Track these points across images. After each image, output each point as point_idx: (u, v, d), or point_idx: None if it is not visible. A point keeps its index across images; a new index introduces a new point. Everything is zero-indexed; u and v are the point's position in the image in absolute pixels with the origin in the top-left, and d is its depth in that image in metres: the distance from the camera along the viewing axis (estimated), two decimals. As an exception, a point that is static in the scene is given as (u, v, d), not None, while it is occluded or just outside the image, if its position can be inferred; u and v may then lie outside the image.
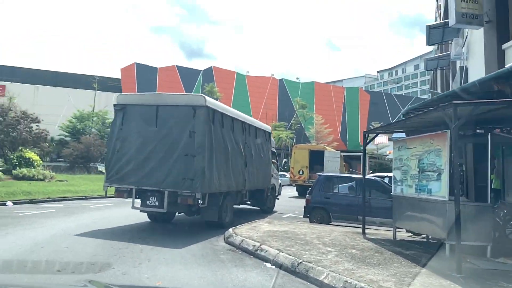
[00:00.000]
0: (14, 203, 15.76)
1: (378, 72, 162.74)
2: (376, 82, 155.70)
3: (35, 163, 27.17)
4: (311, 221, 11.41)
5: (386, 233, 10.50)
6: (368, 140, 10.36)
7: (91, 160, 37.96)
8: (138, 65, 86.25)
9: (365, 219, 10.23)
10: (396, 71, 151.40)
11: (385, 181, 12.92)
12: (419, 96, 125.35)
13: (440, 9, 26.21)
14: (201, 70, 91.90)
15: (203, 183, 9.21)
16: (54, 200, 17.56)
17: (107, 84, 78.58)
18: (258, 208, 15.27)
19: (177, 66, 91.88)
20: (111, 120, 40.65)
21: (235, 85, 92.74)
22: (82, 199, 19.22)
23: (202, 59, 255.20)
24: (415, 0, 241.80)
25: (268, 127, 15.76)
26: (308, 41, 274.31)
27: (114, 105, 10.25)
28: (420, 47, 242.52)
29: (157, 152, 9.52)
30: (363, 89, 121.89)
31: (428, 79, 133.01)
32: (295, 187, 27.80)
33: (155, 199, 9.40)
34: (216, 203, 10.10)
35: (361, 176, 11.69)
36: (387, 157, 69.90)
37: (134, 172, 9.61)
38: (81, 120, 62.92)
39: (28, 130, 28.90)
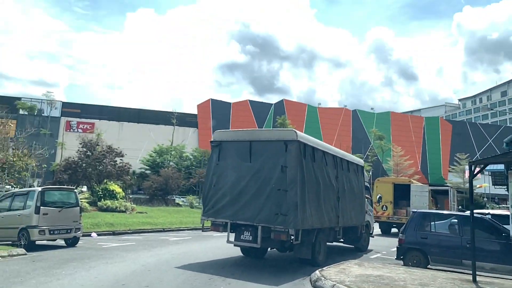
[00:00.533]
0: (98, 234, 16.19)
1: (459, 100, 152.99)
2: (458, 112, 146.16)
3: (118, 195, 28.33)
4: (405, 264, 10.04)
5: (502, 282, 8.80)
6: (475, 172, 8.92)
7: (169, 193, 39.01)
8: (213, 101, 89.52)
9: (475, 264, 8.68)
10: (481, 99, 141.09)
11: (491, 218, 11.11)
12: (508, 124, 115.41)
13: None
14: (272, 104, 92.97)
15: (296, 218, 8.98)
16: (134, 232, 17.82)
17: (184, 120, 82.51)
18: (352, 246, 14.35)
19: (250, 101, 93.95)
20: (188, 154, 42.15)
21: (306, 117, 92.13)
22: (160, 231, 19.34)
23: (273, 94, 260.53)
24: (496, 25, 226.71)
25: (361, 161, 15.08)
26: (379, 69, 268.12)
27: (211, 142, 10.55)
28: (505, 73, 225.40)
29: (251, 186, 9.59)
30: (444, 118, 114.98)
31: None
32: (377, 223, 25.86)
33: (249, 234, 9.41)
34: (309, 240, 9.82)
35: (464, 213, 10.20)
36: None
37: (229, 206, 9.74)
38: (160, 154, 65.84)
39: (113, 163, 30.43)
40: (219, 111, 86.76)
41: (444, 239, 9.86)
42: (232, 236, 9.88)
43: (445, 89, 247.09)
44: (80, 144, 30.51)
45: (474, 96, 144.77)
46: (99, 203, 26.05)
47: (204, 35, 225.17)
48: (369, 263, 10.08)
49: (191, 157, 69.56)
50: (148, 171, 59.19)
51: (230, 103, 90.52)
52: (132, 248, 11.90)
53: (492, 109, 32.12)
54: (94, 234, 15.98)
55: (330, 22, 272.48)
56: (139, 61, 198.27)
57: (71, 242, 12.77)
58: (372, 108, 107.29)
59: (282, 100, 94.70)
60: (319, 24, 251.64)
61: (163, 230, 19.54)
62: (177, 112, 78.35)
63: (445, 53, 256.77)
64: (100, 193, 27.69)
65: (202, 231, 10.83)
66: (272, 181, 9.32)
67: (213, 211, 10.04)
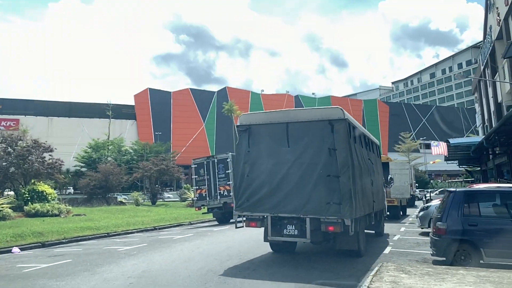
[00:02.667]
0: (22, 249, 12.70)
1: (392, 83, 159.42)
2: (392, 94, 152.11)
3: (49, 197, 24.29)
4: (452, 262, 7.56)
5: None
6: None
7: (110, 190, 34.98)
8: (152, 90, 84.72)
9: None
10: (412, 81, 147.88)
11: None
12: (438, 104, 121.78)
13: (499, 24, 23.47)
14: (215, 92, 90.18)
15: (351, 207, 8.09)
16: (71, 241, 14.45)
17: (121, 112, 77.08)
18: (373, 231, 12.95)
19: (191, 89, 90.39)
20: (127, 148, 38.22)
21: (250, 104, 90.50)
22: (104, 237, 16.08)
23: (211, 84, 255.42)
24: (417, 13, 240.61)
25: (376, 140, 13.82)
26: (312, 57, 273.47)
27: (237, 126, 9.47)
28: (428, 58, 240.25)
29: (293, 174, 8.57)
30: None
31: (447, 87, 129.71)
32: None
33: (293, 228, 8.42)
34: (355, 229, 8.59)
35: None
36: (421, 168, 65.93)
37: (268, 198, 8.70)
38: (97, 149, 60.98)
39: (41, 160, 26.13)
40: (158, 101, 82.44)
41: (502, 224, 7.53)
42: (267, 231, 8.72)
43: (374, 75, 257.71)
44: (-2, 140, 25.77)
45: (406, 79, 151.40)
46: (25, 207, 22.00)
47: (134, 25, 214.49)
48: (414, 266, 7.15)
49: (131, 151, 65.52)
50: (84, 169, 54.35)
51: (170, 92, 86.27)
52: (67, 271, 8.31)
53: (466, 77, 32.13)
54: (16, 249, 12.48)
55: (263, 10, 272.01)
56: (65, 53, 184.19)
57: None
58: (313, 93, 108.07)
59: (225, 87, 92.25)
60: (253, 13, 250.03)
61: (108, 235, 16.27)
62: (113, 104, 72.79)
63: (372, 40, 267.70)
64: (27, 195, 23.50)
65: (236, 227, 9.67)
66: (319, 166, 8.35)
67: (249, 204, 8.92)
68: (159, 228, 19.13)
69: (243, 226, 9.58)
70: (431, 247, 8.37)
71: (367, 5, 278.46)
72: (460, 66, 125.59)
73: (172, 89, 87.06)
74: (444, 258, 7.82)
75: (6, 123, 69.71)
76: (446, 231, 7.67)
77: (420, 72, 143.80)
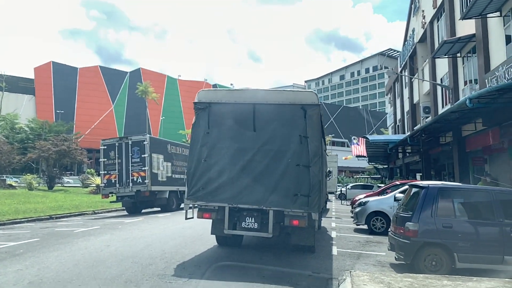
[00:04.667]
0: None
1: (305, 81, 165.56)
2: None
3: None
4: (420, 268, 6.57)
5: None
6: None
7: (-4, 171, 30.07)
8: (55, 64, 76.56)
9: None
10: (323, 81, 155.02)
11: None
12: (345, 104, 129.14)
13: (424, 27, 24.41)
14: (127, 72, 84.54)
15: (320, 200, 7.60)
16: None
17: (17, 85, 68.73)
18: None
19: (101, 67, 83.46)
20: (22, 125, 33.62)
21: (165, 88, 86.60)
22: (-17, 227, 12.88)
23: (121, 64, 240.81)
24: (330, 19, 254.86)
25: None
26: (231, 51, 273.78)
27: (195, 103, 8.33)
28: (336, 61, 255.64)
29: (257, 162, 7.77)
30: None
31: (354, 89, 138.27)
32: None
33: (253, 220, 7.68)
34: (313, 223, 7.92)
35: (493, 187, 7.59)
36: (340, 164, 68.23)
37: (227, 187, 7.80)
38: (-16, 125, 53.09)
39: None
40: (62, 77, 74.81)
41: (477, 227, 6.66)
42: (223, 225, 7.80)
43: (287, 73, 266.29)
44: None
45: (318, 79, 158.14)
46: None
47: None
48: (389, 276, 5.38)
49: (26, 129, 58.34)
50: (-35, 146, 46.69)
51: (76, 68, 78.82)
52: None
53: (396, 73, 32.75)
54: None
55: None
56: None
57: None
58: (231, 84, 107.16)
59: (139, 68, 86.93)
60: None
61: (-13, 226, 13.09)
62: (7, 75, 64.18)
63: (287, 39, 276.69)
64: None
65: (186, 218, 8.30)
66: (288, 154, 7.63)
67: (204, 193, 7.91)
68: (56, 218, 16.15)
69: (193, 218, 8.29)
70: (393, 249, 7.37)
71: (286, 3, 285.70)
72: (367, 70, 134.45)
73: (78, 66, 79.41)
74: (408, 263, 6.78)
75: None
76: (417, 233, 6.60)
77: (331, 73, 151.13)
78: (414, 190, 7.59)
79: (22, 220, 14.63)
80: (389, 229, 8.14)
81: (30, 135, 56.00)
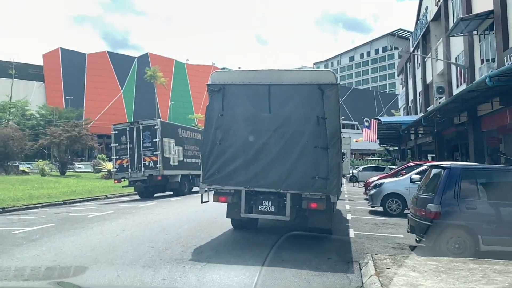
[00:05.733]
0: None
1: (314, 64, 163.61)
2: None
3: None
4: (443, 250, 6.36)
5: None
6: None
7: (9, 157, 30.26)
8: (64, 50, 76.52)
9: None
10: (332, 63, 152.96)
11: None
12: (354, 86, 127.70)
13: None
14: (135, 57, 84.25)
15: (339, 182, 7.57)
16: (-51, 219, 11.27)
17: (27, 72, 68.87)
18: None
19: (109, 52, 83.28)
20: (33, 112, 33.57)
21: (173, 73, 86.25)
22: (-1, 213, 13.00)
23: (128, 50, 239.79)
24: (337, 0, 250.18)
25: None
26: (237, 35, 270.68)
27: (209, 85, 8.12)
28: (345, 42, 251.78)
29: (273, 144, 7.62)
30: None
31: (363, 70, 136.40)
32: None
33: (270, 204, 7.58)
34: (331, 206, 7.99)
35: None
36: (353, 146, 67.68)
37: (243, 170, 7.69)
38: (-5, 112, 53.43)
39: None
40: (71, 63, 74.84)
41: (502, 208, 6.40)
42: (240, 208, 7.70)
43: (294, 55, 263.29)
44: None
45: (327, 60, 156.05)
46: None
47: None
48: (413, 259, 5.54)
49: (37, 115, 58.72)
50: (-23, 133, 47.19)
51: (84, 54, 78.68)
52: None
53: (409, 53, 32.08)
54: None
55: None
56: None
57: None
58: (239, 67, 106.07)
59: (147, 53, 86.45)
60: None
61: (3, 211, 13.14)
62: (17, 62, 64.23)
63: (294, 21, 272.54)
64: None
65: (201, 202, 8.18)
66: (305, 136, 7.45)
67: (220, 177, 7.80)
68: (70, 203, 16.24)
69: (208, 201, 8.20)
70: (413, 232, 7.21)
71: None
72: (377, 51, 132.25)
73: (86, 52, 79.26)
74: (430, 245, 6.59)
75: None
76: (440, 215, 6.42)
77: (340, 55, 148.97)
78: (435, 171, 7.37)
79: (36, 205, 14.71)
80: (409, 211, 7.98)
81: (41, 122, 56.36)
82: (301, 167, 7.36)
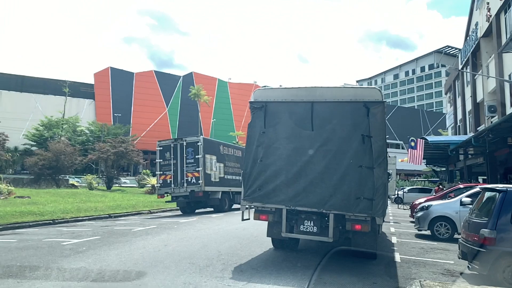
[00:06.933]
0: None
1: (357, 81, 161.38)
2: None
3: (-12, 175, 21.20)
4: (499, 280, 5.86)
5: None
6: None
7: (61, 171, 31.81)
8: (113, 69, 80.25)
9: None
10: (376, 81, 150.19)
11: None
12: (399, 105, 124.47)
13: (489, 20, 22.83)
14: (181, 76, 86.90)
15: (384, 204, 7.28)
16: (5, 228, 11.90)
17: (78, 90, 72.65)
18: None
19: (155, 72, 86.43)
20: (83, 128, 35.33)
21: (216, 91, 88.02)
22: (49, 224, 13.61)
23: (173, 69, 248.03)
24: (381, 18, 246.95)
25: None
26: (278, 53, 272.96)
27: (251, 102, 8.17)
28: (389, 60, 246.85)
29: (316, 162, 7.45)
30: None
31: (409, 89, 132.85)
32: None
33: (312, 224, 7.38)
34: (376, 228, 7.61)
35: None
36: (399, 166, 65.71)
37: (284, 188, 7.58)
38: (49, 128, 56.54)
39: (-20, 133, 22.86)
40: (119, 81, 78.28)
41: None
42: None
43: (336, 73, 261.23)
44: None
45: (370, 78, 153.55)
46: (-43, 186, 18.96)
47: (97, 2, 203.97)
48: (453, 283, 5.52)
49: (87, 131, 61.58)
50: (34, 147, 50.06)
51: (132, 73, 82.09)
52: None
53: (458, 70, 30.94)
54: None
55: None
56: (22, 22, 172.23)
57: None
58: (280, 85, 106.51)
59: (191, 72, 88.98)
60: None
61: (53, 223, 13.79)
62: (70, 81, 68.16)
63: (335, 39, 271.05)
64: (-40, 172, 20.29)
65: (242, 220, 8.18)
66: (349, 155, 7.25)
67: (261, 194, 7.73)
68: (115, 216, 16.75)
69: (249, 219, 8.15)
70: (464, 258, 6.77)
71: (333, 5, 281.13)
72: (423, 69, 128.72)
73: (134, 71, 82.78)
74: (484, 274, 6.14)
75: None
76: (494, 241, 6.01)
77: (384, 72, 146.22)
78: (488, 194, 6.93)
79: (84, 218, 15.29)
80: (459, 236, 7.54)
81: (90, 138, 59.00)
82: (345, 187, 7.13)
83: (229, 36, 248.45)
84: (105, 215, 16.43)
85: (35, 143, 53.59)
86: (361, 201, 6.95)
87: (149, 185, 32.70)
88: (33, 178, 31.18)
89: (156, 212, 19.64)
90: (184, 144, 18.66)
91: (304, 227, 7.39)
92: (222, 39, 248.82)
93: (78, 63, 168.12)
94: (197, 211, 19.63)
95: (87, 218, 15.42)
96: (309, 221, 7.36)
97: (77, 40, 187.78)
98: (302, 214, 7.42)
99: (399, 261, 8.10)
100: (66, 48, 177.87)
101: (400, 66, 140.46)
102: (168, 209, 20.46)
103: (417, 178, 63.88)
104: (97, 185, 33.99)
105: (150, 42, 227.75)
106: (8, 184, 22.47)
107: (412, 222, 14.96)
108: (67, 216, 14.87)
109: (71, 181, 35.25)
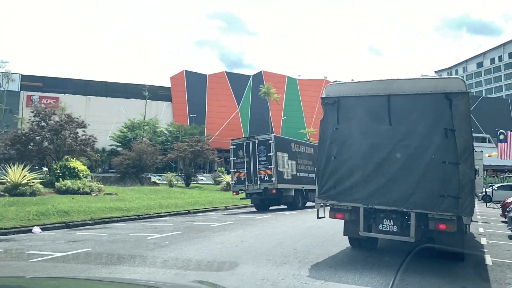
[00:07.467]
0: (43, 229, 11.34)
1: (435, 72, 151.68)
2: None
3: (81, 174, 23.20)
4: None
5: None
6: None
7: (143, 170, 33.97)
8: (188, 72, 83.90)
9: None
10: (457, 70, 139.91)
11: None
12: (484, 95, 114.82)
13: None
14: (250, 76, 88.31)
15: (472, 202, 6.66)
16: (97, 223, 13.00)
17: (157, 93, 76.95)
18: None
19: (226, 72, 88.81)
20: (162, 129, 37.23)
21: (286, 89, 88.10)
22: (135, 219, 14.60)
23: (243, 69, 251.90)
24: (459, 2, 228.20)
25: None
26: (349, 46, 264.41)
27: (323, 98, 7.99)
28: (470, 47, 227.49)
29: (395, 158, 7.14)
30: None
31: (495, 77, 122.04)
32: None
33: (391, 223, 7.06)
34: (463, 228, 7.33)
35: None
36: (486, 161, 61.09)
37: (361, 186, 7.36)
38: (132, 129, 60.77)
39: (74, 136, 25.12)
40: (194, 83, 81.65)
41: None
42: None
43: (411, 64, 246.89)
44: (32, 112, 24.94)
45: (450, 68, 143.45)
46: (57, 183, 20.98)
47: (170, 10, 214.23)
48: None
49: (166, 132, 65.13)
50: (119, 148, 54.10)
51: (205, 75, 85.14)
52: (78, 267, 6.70)
53: None
54: (36, 229, 11.09)
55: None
56: (106, 33, 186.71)
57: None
58: (352, 79, 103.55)
59: (261, 71, 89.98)
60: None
61: (138, 218, 14.77)
62: (149, 85, 72.47)
63: (409, 29, 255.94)
64: (59, 171, 22.46)
65: (317, 218, 8.08)
66: (430, 150, 6.85)
67: (336, 192, 7.55)
68: (193, 212, 17.52)
69: (324, 217, 8.03)
70: None
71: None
72: (511, 55, 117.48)
73: (207, 73, 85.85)
74: None
75: (46, 101, 70.65)
76: None
77: (466, 61, 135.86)
78: None
79: (165, 214, 16.18)
80: None
81: (169, 138, 62.28)
82: (427, 184, 6.77)
83: (296, 33, 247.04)
84: (184, 211, 17.26)
85: (120, 144, 57.81)
86: (445, 199, 6.55)
87: (224, 182, 33.68)
88: (119, 176, 33.63)
89: (232, 209, 20.19)
90: (256, 142, 18.94)
91: (383, 226, 7.13)
92: (290, 36, 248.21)
93: (156, 67, 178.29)
94: (271, 208, 19.83)
95: (168, 214, 16.31)
96: (388, 220, 7.09)
97: (154, 46, 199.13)
98: (380, 212, 7.17)
99: (491, 264, 7.47)
100: (144, 54, 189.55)
101: (484, 53, 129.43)
102: (243, 205, 20.92)
103: (508, 174, 58.55)
104: (176, 182, 35.76)
105: (220, 44, 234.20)
106: (98, 182, 24.44)
107: (504, 222, 13.75)
108: (150, 212, 15.84)
109: (153, 179, 37.35)
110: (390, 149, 7.18)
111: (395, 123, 7.21)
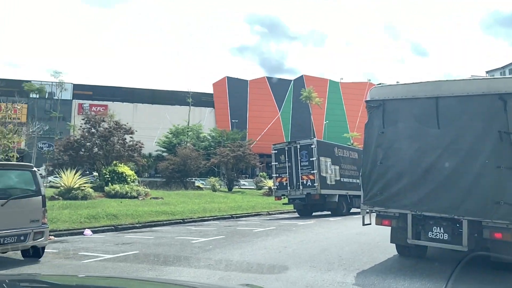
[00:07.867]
0: (94, 231, 11.86)
1: (486, 72, 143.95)
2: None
3: (129, 179, 24.09)
4: None
5: None
6: None
7: (188, 174, 34.79)
8: (229, 79, 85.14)
9: None
10: (510, 70, 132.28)
11: None
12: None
13: None
14: (291, 80, 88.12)
15: None
16: (144, 226, 13.43)
17: (200, 99, 78.59)
18: None
19: (267, 77, 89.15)
20: (205, 134, 37.91)
21: (328, 93, 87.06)
22: (179, 223, 14.95)
23: (283, 74, 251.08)
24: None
25: None
26: (391, 49, 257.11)
27: (367, 101, 7.87)
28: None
29: (444, 163, 6.85)
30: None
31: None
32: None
33: (442, 230, 6.78)
34: None
35: None
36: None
37: (409, 191, 7.12)
38: (177, 135, 62.58)
39: (122, 142, 26.16)
40: (235, 89, 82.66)
41: None
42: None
43: (460, 65, 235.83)
44: (83, 119, 26.26)
45: (503, 67, 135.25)
46: (106, 188, 21.98)
47: (211, 17, 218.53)
48: None
49: (209, 137, 66.34)
50: (164, 153, 55.79)
51: (247, 81, 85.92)
52: (125, 268, 6.98)
53: None
54: (87, 232, 11.66)
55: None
56: (151, 43, 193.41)
57: (32, 254, 7.64)
58: (397, 82, 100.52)
59: (302, 76, 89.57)
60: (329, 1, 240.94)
61: (183, 222, 15.12)
62: (192, 92, 74.20)
63: (457, 29, 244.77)
64: (108, 176, 23.47)
65: (363, 224, 7.94)
66: (483, 154, 6.55)
67: (382, 198, 7.33)
68: (236, 217, 17.68)
69: (370, 224, 7.86)
70: None
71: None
72: None
73: (248, 78, 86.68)
74: None
75: (96, 109, 74.12)
76: None
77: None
78: None
79: (209, 218, 16.43)
80: None
81: (212, 143, 63.41)
82: (480, 190, 6.49)
83: (337, 36, 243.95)
84: (227, 215, 17.45)
85: (165, 149, 59.59)
86: (501, 206, 6.22)
87: (266, 187, 33.75)
88: (165, 181, 34.61)
89: (274, 214, 20.17)
90: (298, 146, 18.81)
91: (432, 234, 6.87)
92: (331, 39, 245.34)
93: (199, 74, 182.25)
94: (314, 214, 19.60)
95: (212, 218, 16.55)
96: (438, 228, 6.82)
97: (196, 54, 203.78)
98: (430, 219, 6.90)
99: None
100: (187, 62, 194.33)
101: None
102: (285, 211, 20.83)
103: None
104: (219, 187, 36.26)
105: (261, 49, 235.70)
106: (145, 187, 25.29)
107: None
108: (195, 216, 16.14)
109: (196, 183, 38.10)
110: (439, 153, 6.92)
111: (443, 126, 6.95)
